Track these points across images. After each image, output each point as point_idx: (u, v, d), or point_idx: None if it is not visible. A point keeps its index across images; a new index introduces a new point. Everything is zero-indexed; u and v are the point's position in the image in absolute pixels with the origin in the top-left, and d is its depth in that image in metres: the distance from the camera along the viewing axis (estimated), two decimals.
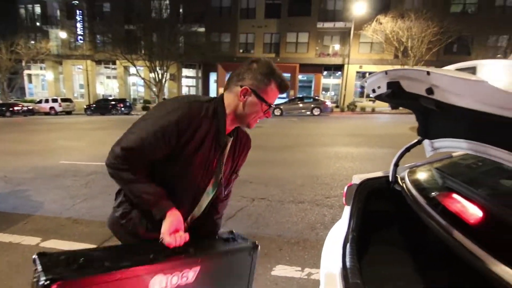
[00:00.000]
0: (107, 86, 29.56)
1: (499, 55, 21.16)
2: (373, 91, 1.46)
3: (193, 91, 27.70)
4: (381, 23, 20.40)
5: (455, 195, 1.30)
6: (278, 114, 18.55)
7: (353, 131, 11.17)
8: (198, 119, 1.04)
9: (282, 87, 1.13)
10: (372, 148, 7.86)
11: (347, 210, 1.67)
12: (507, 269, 0.84)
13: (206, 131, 1.06)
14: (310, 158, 6.67)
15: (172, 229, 1.02)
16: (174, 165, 1.06)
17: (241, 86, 1.09)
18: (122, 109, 21.79)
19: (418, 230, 1.63)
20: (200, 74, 27.38)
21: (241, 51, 25.77)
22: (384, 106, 23.34)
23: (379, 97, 1.50)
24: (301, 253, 2.73)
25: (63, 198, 4.23)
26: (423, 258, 1.70)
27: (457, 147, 1.42)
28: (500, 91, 0.67)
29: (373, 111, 20.50)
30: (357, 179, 1.80)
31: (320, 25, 24.12)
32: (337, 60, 24.70)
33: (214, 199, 1.30)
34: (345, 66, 24.00)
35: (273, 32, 25.10)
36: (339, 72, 25.54)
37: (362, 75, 24.93)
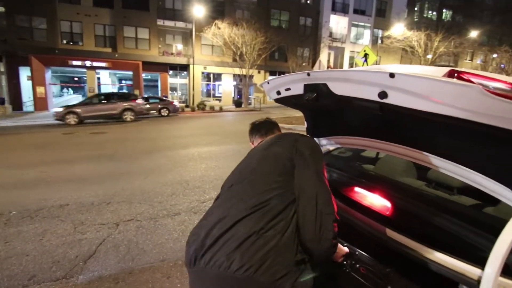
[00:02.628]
0: None
1: (304, 63, 27.34)
2: (278, 93, 1.40)
3: None
4: (219, 28, 21.87)
5: (357, 188, 1.45)
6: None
7: (208, 130, 11.43)
8: None
9: None
10: (230, 144, 8.28)
11: None
12: (439, 254, 0.96)
13: None
14: (174, 163, 6.26)
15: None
16: None
17: None
18: None
19: None
20: (2, 68, 20.41)
21: (64, 42, 21.11)
22: (229, 104, 25.41)
23: (281, 100, 1.46)
24: None
25: None
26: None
27: (346, 143, 1.58)
28: (490, 97, 0.70)
29: (220, 109, 21.84)
30: None
31: (160, 22, 23.20)
32: (182, 60, 24.59)
33: None
34: (191, 66, 24.28)
35: (107, 23, 22.00)
36: (185, 72, 25.59)
37: (206, 75, 26.05)
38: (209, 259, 0.89)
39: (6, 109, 18.38)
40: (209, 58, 25.04)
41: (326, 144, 1.74)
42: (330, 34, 28.55)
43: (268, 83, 1.42)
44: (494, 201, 1.13)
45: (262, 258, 0.84)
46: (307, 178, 0.99)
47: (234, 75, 25.34)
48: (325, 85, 1.06)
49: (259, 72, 26.18)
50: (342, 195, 1.44)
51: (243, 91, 24.56)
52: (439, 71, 0.93)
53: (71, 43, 21.26)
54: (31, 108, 20.33)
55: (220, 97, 26.88)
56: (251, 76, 24.04)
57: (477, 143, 0.98)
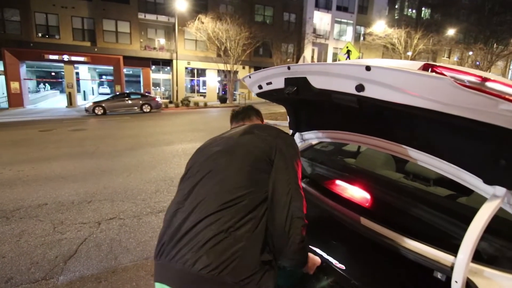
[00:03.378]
0: None
1: (289, 59, 27.44)
2: (259, 87, 1.40)
3: None
4: (203, 22, 21.54)
5: (338, 182, 1.48)
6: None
7: (193, 126, 11.30)
8: None
9: None
10: None
11: None
12: (415, 243, 0.99)
13: None
14: (157, 160, 6.16)
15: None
16: None
17: None
18: None
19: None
20: None
21: (39, 35, 20.18)
22: (214, 100, 25.19)
23: (263, 94, 1.46)
24: None
25: None
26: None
27: (327, 137, 1.61)
28: (461, 90, 0.72)
29: (205, 105, 21.63)
30: None
31: (141, 15, 22.57)
32: (165, 55, 24.09)
33: None
34: (174, 61, 23.85)
35: (85, 16, 21.18)
36: (168, 67, 25.11)
37: (190, 71, 25.66)
38: (175, 254, 0.88)
39: None
40: (192, 53, 24.66)
41: (309, 138, 1.77)
42: (314, 31, 28.75)
43: (250, 77, 1.41)
44: (467, 191, 1.19)
45: (230, 258, 0.82)
46: (283, 180, 0.96)
47: (219, 71, 25.09)
48: (304, 78, 1.07)
49: (243, 68, 26.06)
50: (324, 188, 1.47)
51: (228, 86, 24.40)
52: (415, 65, 0.95)
53: (47, 36, 20.34)
54: (5, 105, 19.38)
55: (205, 93, 26.60)
56: (235, 72, 23.88)
57: (451, 135, 1.02)
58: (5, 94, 19.47)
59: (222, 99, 23.98)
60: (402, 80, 0.82)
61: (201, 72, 26.31)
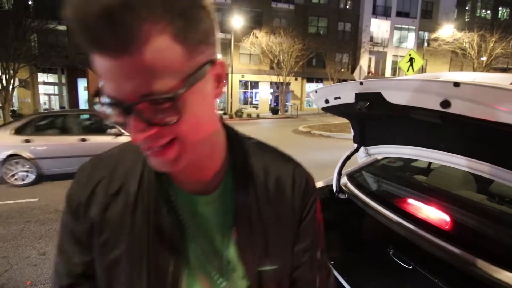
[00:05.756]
0: None
1: (343, 69, 26.70)
2: (326, 101, 1.41)
3: (55, 101, 22.85)
4: (257, 37, 22.34)
5: (411, 200, 1.39)
6: None
7: None
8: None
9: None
10: None
11: None
12: (504, 272, 0.89)
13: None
14: None
15: None
16: None
17: None
18: None
19: (370, 233, 1.70)
20: (64, 80, 22.86)
21: None
22: (266, 112, 25.65)
23: (329, 108, 1.46)
24: None
25: None
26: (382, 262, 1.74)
27: (397, 153, 1.53)
28: None
29: (257, 117, 22.12)
30: None
31: None
32: None
33: None
34: (229, 75, 25.04)
35: None
36: (224, 81, 26.43)
37: (244, 83, 26.63)
38: None
39: None
40: (246, 66, 25.62)
41: (375, 153, 1.70)
42: (371, 39, 27.65)
43: (316, 92, 1.43)
44: None
45: None
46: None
47: (271, 83, 25.57)
48: (379, 94, 1.05)
49: (296, 79, 26.14)
50: (394, 206, 1.40)
51: (280, 98, 24.66)
52: (505, 79, 0.88)
53: None
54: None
55: (257, 104, 27.27)
56: (288, 83, 24.08)
57: None
58: (87, 106, 22.60)
59: (274, 110, 24.29)
60: (495, 97, 0.76)
61: (254, 85, 27.11)
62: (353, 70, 25.71)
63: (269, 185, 0.53)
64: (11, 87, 18.08)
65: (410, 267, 1.40)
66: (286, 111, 25.20)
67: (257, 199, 0.52)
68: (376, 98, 1.04)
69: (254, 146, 0.56)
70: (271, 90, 26.96)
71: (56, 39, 19.55)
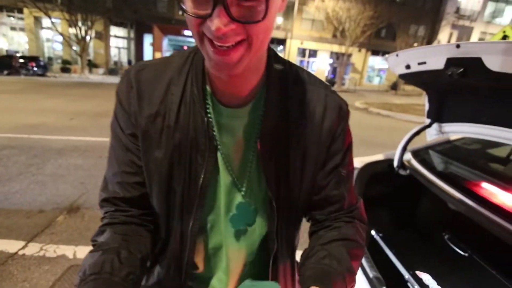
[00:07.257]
0: (12, 39, 24.14)
1: (416, 44, 23.85)
2: (407, 67, 1.29)
3: (124, 54, 24.65)
4: (323, 1, 20.79)
5: (485, 184, 1.27)
6: None
7: None
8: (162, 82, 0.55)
9: None
10: None
11: None
12: None
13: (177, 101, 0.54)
14: None
15: None
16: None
17: None
18: (35, 69, 18.12)
19: (426, 214, 1.61)
20: (132, 35, 24.34)
21: (180, 13, 23.59)
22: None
23: (409, 75, 1.34)
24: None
25: None
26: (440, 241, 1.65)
27: (479, 133, 1.37)
28: None
29: None
30: (358, 162, 1.67)
31: None
32: (280, 34, 24.61)
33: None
34: (288, 40, 24.14)
35: None
36: (281, 46, 25.64)
37: (302, 51, 25.52)
38: None
39: None
40: (307, 33, 24.33)
41: (450, 131, 1.54)
42: (457, 10, 23.90)
43: (397, 55, 1.30)
44: None
45: None
46: None
47: (331, 53, 24.10)
48: (478, 59, 0.91)
49: (359, 51, 24.23)
50: (466, 188, 1.28)
51: (339, 70, 23.29)
52: None
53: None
54: None
55: None
56: (349, 55, 22.47)
57: None
58: None
59: (330, 82, 23.15)
60: None
61: (313, 53, 25.83)
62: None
63: (300, 107, 0.56)
64: (88, 37, 19.90)
65: (466, 254, 1.31)
66: (343, 84, 23.84)
67: (285, 118, 0.54)
68: (473, 64, 0.91)
69: (290, 68, 0.59)
70: (331, 61, 25.50)
71: None
